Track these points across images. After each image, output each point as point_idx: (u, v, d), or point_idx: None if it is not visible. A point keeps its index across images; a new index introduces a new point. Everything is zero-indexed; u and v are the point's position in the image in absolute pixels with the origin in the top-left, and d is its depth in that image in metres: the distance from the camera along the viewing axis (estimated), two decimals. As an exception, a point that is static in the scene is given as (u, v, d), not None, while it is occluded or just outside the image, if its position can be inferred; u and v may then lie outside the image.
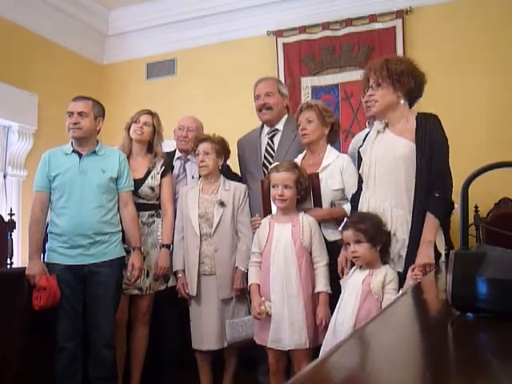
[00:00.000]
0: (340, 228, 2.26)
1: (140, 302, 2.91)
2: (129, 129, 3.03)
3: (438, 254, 2.07)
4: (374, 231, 2.09)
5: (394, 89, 2.17)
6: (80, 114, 2.71)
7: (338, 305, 2.20)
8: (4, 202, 4.05)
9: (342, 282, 2.28)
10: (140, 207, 2.93)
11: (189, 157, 3.23)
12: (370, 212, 2.15)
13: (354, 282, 2.17)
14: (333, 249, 2.43)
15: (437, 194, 2.05)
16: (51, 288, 2.53)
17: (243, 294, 2.77)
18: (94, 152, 2.76)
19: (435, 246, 2.07)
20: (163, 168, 3.01)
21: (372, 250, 2.12)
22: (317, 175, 2.54)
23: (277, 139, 3.00)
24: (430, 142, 2.08)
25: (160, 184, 2.98)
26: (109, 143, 3.23)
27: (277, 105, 2.99)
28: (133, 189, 2.88)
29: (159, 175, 2.98)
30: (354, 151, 2.82)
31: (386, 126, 2.24)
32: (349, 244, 2.16)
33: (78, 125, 2.70)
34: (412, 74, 2.18)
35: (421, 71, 2.22)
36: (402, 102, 2.21)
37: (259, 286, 2.49)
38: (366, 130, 2.93)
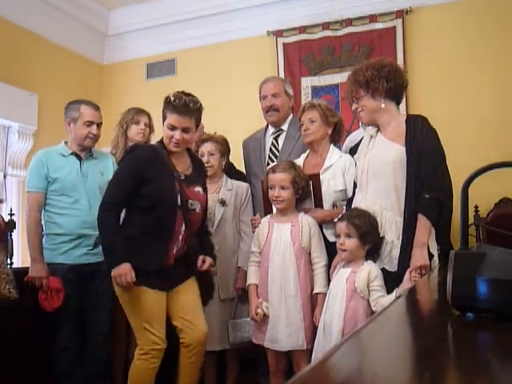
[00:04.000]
0: (336, 219, 2.28)
1: None
2: (126, 130, 3.02)
3: (430, 255, 2.07)
4: (367, 229, 2.11)
5: (372, 95, 2.21)
6: (98, 125, 2.77)
7: (324, 306, 2.20)
8: (4, 201, 4.05)
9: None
10: None
11: None
12: (367, 212, 2.16)
13: (338, 282, 2.18)
14: (334, 250, 2.42)
15: (427, 196, 2.05)
16: (63, 289, 2.59)
17: (245, 294, 2.76)
18: (91, 155, 2.80)
19: (428, 248, 2.08)
20: None
21: (360, 247, 2.14)
22: (317, 176, 2.54)
23: (281, 139, 3.01)
24: (419, 144, 2.10)
25: None
26: (108, 143, 3.22)
27: (283, 106, 3.00)
28: None
29: None
30: (345, 150, 2.84)
31: (378, 130, 2.27)
32: (340, 236, 2.18)
33: (97, 135, 2.77)
34: (380, 76, 2.20)
35: (389, 66, 2.23)
36: (383, 105, 2.23)
37: (257, 286, 2.49)
38: (360, 131, 2.94)
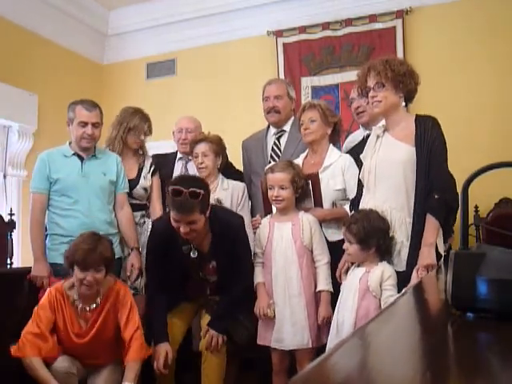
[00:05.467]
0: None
1: (136, 302, 2.91)
2: (124, 134, 3.00)
3: (438, 255, 2.08)
4: (365, 234, 2.11)
5: (396, 90, 2.18)
6: (94, 124, 2.72)
7: (337, 305, 2.22)
8: (4, 202, 4.05)
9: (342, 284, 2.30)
10: (133, 208, 2.94)
11: (190, 157, 3.23)
12: (374, 212, 2.16)
13: (351, 281, 2.20)
14: (334, 249, 2.43)
15: (436, 196, 2.05)
16: None
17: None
18: (94, 155, 2.79)
19: (436, 247, 2.08)
20: (153, 167, 3.02)
21: (363, 251, 2.15)
22: (316, 175, 2.54)
23: (283, 140, 3.04)
24: (429, 145, 2.10)
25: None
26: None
27: (285, 108, 3.02)
28: (128, 190, 2.90)
29: (150, 175, 3.00)
30: (345, 150, 2.86)
31: (385, 129, 2.26)
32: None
33: (93, 135, 2.73)
34: (411, 76, 2.20)
35: (417, 74, 2.25)
36: (403, 103, 2.23)
37: (265, 284, 2.50)
38: (360, 131, 2.95)
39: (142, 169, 3.00)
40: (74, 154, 2.76)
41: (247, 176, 3.09)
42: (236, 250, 2.45)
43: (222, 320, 2.44)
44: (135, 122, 2.95)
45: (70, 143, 2.81)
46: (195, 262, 2.46)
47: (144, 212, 2.99)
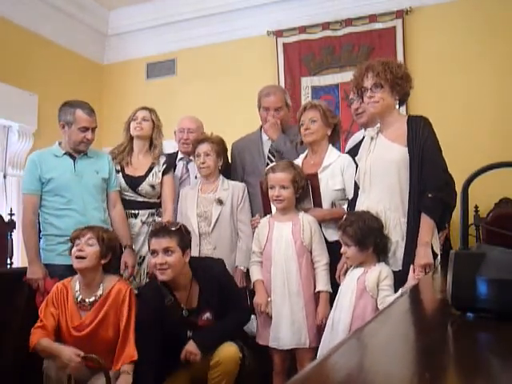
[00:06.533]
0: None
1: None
2: (128, 128, 3.02)
3: (434, 255, 2.08)
4: (362, 235, 2.11)
5: (393, 92, 2.20)
6: (93, 129, 2.74)
7: (334, 303, 2.23)
8: (4, 202, 4.05)
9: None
10: (140, 205, 2.93)
11: (191, 157, 3.22)
12: (366, 213, 2.16)
13: (349, 281, 2.20)
14: (333, 249, 2.43)
15: (430, 195, 2.06)
16: None
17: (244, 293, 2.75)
18: (86, 154, 2.80)
19: (432, 247, 2.08)
20: (165, 166, 3.00)
21: (361, 252, 2.15)
22: (315, 175, 2.55)
23: None
24: (421, 144, 2.11)
25: (161, 182, 2.96)
26: (108, 143, 3.23)
27: (284, 120, 3.03)
28: (119, 188, 2.89)
29: (161, 173, 2.97)
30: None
31: (379, 131, 2.27)
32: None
33: (91, 140, 2.76)
34: (407, 79, 2.22)
35: (412, 77, 2.26)
36: (397, 106, 2.25)
37: (263, 282, 2.49)
38: (361, 132, 2.95)
39: (154, 167, 2.98)
40: (65, 154, 2.75)
41: (239, 176, 3.09)
42: (226, 294, 2.42)
43: (206, 334, 2.35)
44: (131, 114, 3.01)
45: (59, 143, 2.80)
46: (185, 321, 2.39)
47: (153, 210, 2.96)
